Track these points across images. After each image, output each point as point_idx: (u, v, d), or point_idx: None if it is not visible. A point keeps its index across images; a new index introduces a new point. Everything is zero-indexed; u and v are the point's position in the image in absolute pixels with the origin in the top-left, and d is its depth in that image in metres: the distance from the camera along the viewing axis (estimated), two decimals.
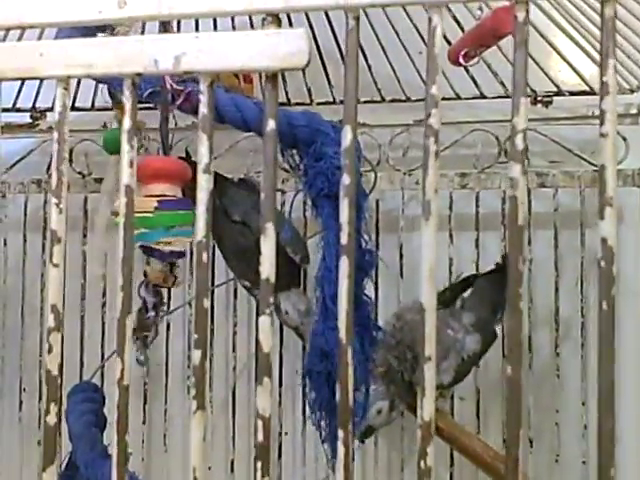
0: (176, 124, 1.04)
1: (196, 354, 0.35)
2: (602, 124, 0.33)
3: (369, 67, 1.07)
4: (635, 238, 1.08)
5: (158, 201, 0.76)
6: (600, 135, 0.34)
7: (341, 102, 1.23)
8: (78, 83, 1.13)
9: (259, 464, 0.34)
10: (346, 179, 0.34)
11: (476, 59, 0.78)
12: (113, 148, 0.82)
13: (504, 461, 0.89)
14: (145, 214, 0.74)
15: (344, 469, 0.32)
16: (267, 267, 0.35)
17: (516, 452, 0.31)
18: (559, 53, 1.02)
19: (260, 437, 0.34)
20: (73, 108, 1.16)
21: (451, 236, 1.10)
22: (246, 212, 0.86)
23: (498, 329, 1.07)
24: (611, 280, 0.32)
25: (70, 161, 1.22)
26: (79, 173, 1.19)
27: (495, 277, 0.98)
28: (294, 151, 0.81)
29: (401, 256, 1.11)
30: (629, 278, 1.09)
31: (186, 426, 1.14)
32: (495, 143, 1.08)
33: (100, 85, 1.13)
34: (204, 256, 0.36)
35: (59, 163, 0.37)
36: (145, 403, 1.15)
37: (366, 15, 1.02)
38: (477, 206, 1.09)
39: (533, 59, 1.03)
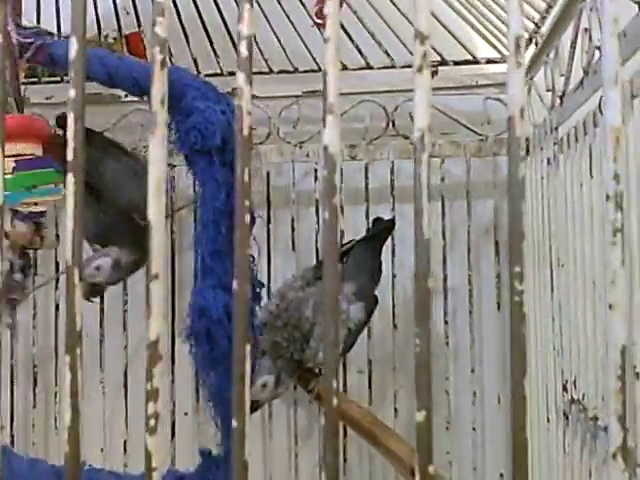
0: None
1: None
2: (326, 29, 0.32)
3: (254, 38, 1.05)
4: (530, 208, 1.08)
5: (15, 161, 0.74)
6: (323, 41, 0.33)
7: (229, 74, 1.20)
8: None
9: None
10: (71, 93, 0.33)
11: None
12: None
13: (381, 426, 0.89)
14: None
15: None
16: None
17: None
18: (441, 23, 1.02)
19: None
20: None
21: (342, 208, 1.10)
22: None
23: (390, 299, 1.07)
24: (332, 189, 0.31)
25: None
26: None
27: (369, 244, 0.98)
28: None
29: (293, 229, 1.10)
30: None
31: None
32: (383, 114, 1.08)
33: None
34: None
35: None
36: (35, 386, 1.12)
37: None
38: (366, 178, 1.09)
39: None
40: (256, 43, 1.06)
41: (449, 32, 1.03)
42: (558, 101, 0.86)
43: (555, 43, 0.85)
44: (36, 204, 0.72)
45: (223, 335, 0.76)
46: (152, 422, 0.32)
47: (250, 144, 0.32)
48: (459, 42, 1.05)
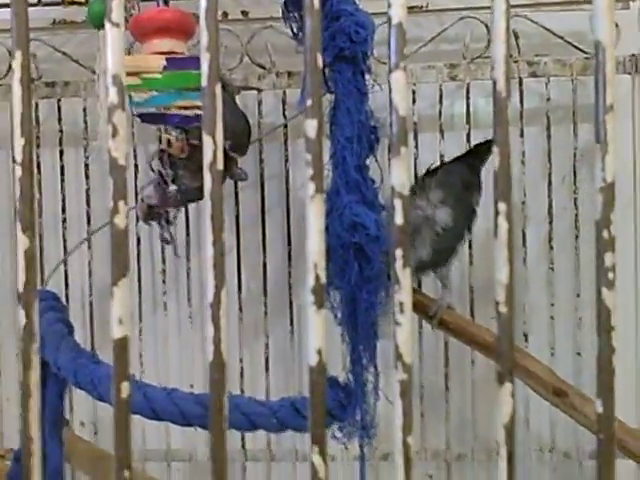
0: None
1: (311, 124, 0.29)
2: None
3: None
4: (624, 129, 1.05)
5: (167, 59, 0.66)
6: None
7: None
8: None
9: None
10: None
11: None
12: (100, 22, 0.70)
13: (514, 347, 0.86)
14: (152, 74, 0.64)
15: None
16: None
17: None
18: None
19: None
20: None
21: (442, 132, 1.05)
22: None
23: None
24: None
25: None
26: None
27: (465, 159, 0.96)
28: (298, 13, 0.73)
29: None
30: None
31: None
32: (485, 32, 1.02)
33: None
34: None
35: None
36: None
37: None
38: (467, 99, 1.05)
39: None
40: None
41: None
42: None
43: None
44: (186, 108, 0.65)
45: (378, 252, 0.72)
46: None
47: None
48: None
